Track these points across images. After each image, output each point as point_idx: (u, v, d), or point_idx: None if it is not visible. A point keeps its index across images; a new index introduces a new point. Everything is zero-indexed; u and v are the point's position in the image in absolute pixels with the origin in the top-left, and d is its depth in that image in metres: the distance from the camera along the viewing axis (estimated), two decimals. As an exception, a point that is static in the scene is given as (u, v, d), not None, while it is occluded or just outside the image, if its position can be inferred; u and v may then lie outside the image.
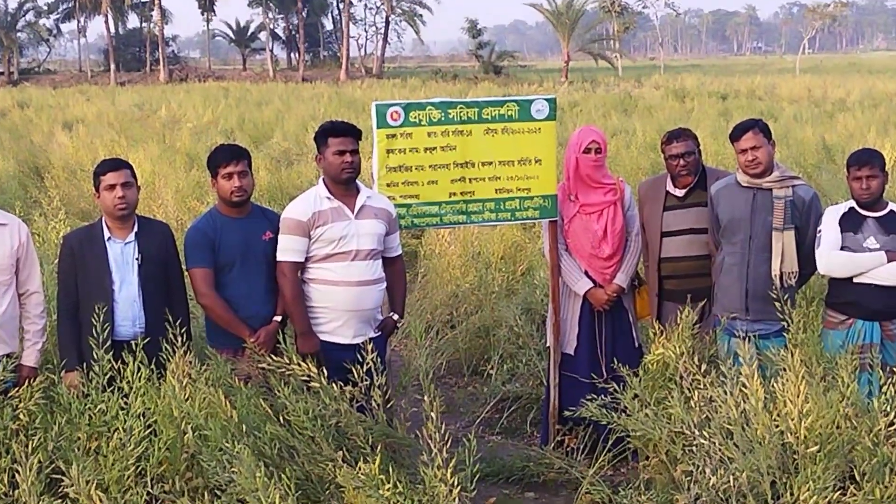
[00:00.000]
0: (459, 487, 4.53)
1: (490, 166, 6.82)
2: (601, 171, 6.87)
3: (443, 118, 6.72)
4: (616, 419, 5.75)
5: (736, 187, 6.50)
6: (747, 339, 6.00)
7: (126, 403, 5.06)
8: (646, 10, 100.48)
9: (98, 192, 6.13)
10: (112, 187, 6.00)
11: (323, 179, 6.22)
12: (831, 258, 6.17)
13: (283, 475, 4.53)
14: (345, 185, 6.16)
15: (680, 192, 6.82)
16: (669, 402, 5.50)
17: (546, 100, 6.97)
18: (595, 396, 5.97)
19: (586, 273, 6.81)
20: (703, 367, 5.77)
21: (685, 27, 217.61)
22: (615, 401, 5.79)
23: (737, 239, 6.41)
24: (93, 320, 5.54)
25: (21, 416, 5.25)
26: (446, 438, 4.69)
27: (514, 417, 7.58)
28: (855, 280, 6.16)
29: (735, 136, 6.52)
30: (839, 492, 4.61)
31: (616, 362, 6.29)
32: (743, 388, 5.25)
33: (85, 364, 5.64)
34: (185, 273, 6.31)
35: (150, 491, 4.74)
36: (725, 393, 5.33)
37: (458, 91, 48.25)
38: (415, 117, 6.67)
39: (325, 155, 6.16)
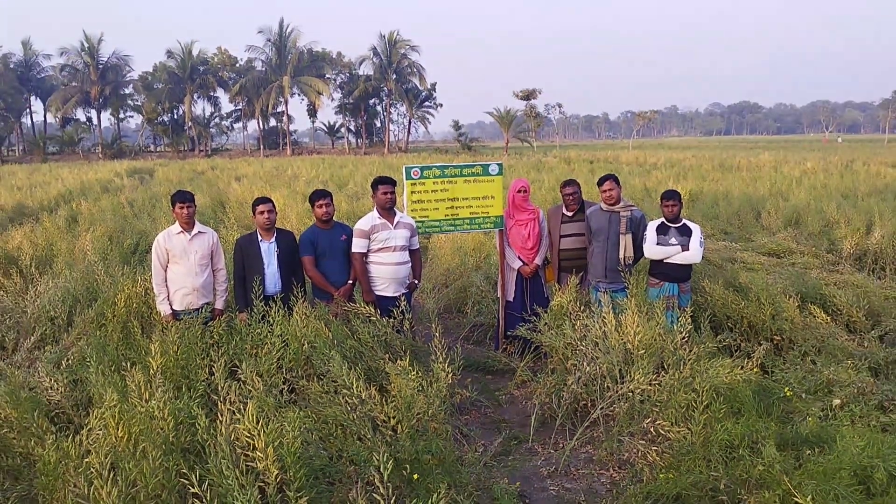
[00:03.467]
0: (451, 373, 4.54)
1: (466, 200, 6.84)
2: (527, 203, 6.89)
3: (441, 174, 6.75)
4: (536, 336, 5.78)
5: (600, 211, 6.51)
6: (605, 293, 6.04)
7: (271, 329, 5.05)
8: (549, 115, 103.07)
9: (255, 215, 6.13)
10: (263, 212, 6.02)
11: (376, 207, 6.20)
12: (651, 249, 6.22)
13: (356, 368, 4.51)
14: (387, 211, 6.15)
15: (570, 213, 6.83)
16: (564, 327, 5.52)
17: (497, 164, 6.99)
18: (524, 324, 6.00)
19: (519, 257, 6.81)
20: (582, 308, 5.80)
21: (569, 124, 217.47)
22: (535, 326, 5.82)
23: (601, 238, 6.43)
24: (253, 285, 5.56)
25: (215, 335, 5.25)
26: (444, 347, 4.71)
27: (480, 335, 7.57)
28: (665, 261, 6.19)
29: (600, 182, 6.55)
30: (655, 375, 4.64)
31: (535, 306, 6.30)
32: (603, 320, 5.28)
33: (249, 308, 5.63)
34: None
35: (286, 377, 4.73)
36: (593, 322, 5.35)
37: (447, 159, 48.09)
38: (426, 174, 6.70)
39: (376, 194, 6.16)
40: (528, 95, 71.73)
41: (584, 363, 5.13)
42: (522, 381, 6.06)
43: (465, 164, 6.99)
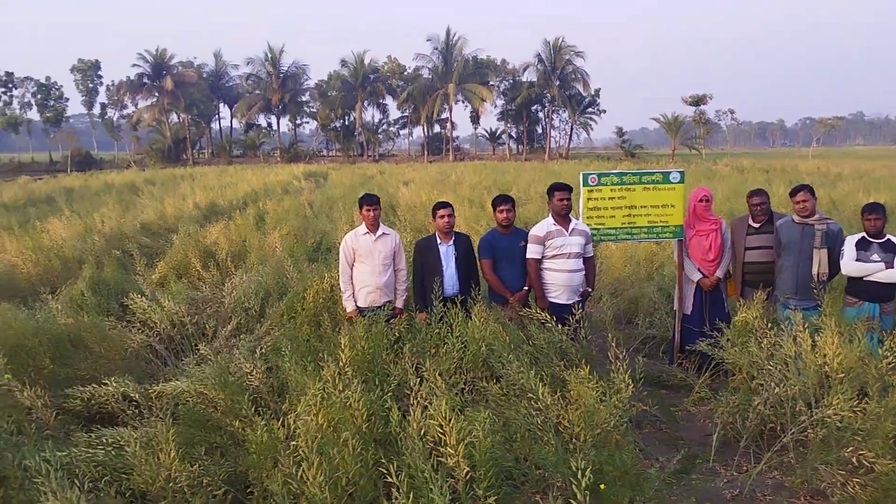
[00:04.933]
0: (630, 384, 4.45)
1: (645, 208, 6.67)
2: (709, 213, 6.62)
3: (619, 181, 6.63)
4: (717, 353, 5.53)
5: (791, 223, 6.15)
6: (796, 310, 5.67)
7: (451, 330, 5.17)
8: (719, 121, 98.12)
9: (434, 218, 6.32)
10: (443, 216, 6.21)
11: (551, 214, 6.20)
12: (850, 265, 5.77)
13: (533, 369, 4.51)
14: (563, 217, 6.13)
15: (757, 225, 6.49)
16: (749, 345, 5.26)
17: (678, 172, 6.77)
18: (703, 339, 5.76)
19: (699, 269, 6.56)
20: (769, 326, 5.48)
21: (740, 131, 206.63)
22: (715, 342, 5.57)
23: (792, 252, 6.06)
24: (433, 285, 5.72)
25: (396, 332, 5.46)
26: (624, 358, 4.63)
27: (652, 349, 7.35)
28: (865, 279, 5.72)
29: (793, 192, 6.19)
30: (855, 402, 4.31)
31: (716, 321, 6.03)
32: (795, 339, 4.97)
33: (428, 308, 5.81)
34: (479, 262, 6.39)
35: (465, 376, 4.83)
36: (784, 341, 5.05)
37: (610, 165, 47.03)
38: (604, 181, 6.61)
39: (552, 201, 6.16)
40: (697, 101, 68.79)
41: (773, 384, 4.85)
42: (700, 399, 5.82)
43: (645, 171, 6.83)
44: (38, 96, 78.14)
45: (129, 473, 3.61)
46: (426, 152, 75.04)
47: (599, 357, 5.54)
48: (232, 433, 4.21)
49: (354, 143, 77.24)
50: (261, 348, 6.02)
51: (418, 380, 4.09)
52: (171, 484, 3.30)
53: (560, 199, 6.13)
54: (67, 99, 79.65)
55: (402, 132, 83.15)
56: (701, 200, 6.60)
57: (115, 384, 5.03)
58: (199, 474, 3.46)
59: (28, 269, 9.58)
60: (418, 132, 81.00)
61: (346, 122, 76.98)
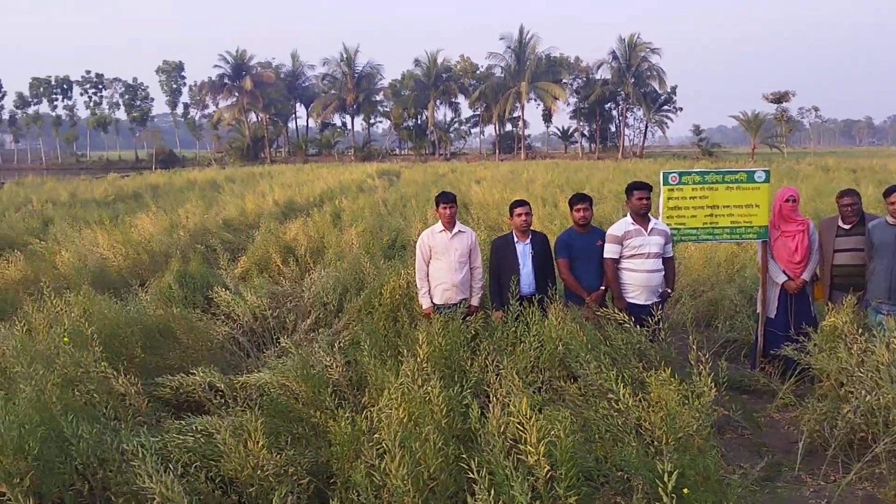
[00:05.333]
0: (713, 388, 4.34)
1: (728, 208, 6.49)
2: (796, 213, 6.40)
3: (701, 180, 6.48)
4: (803, 357, 5.35)
5: (885, 225, 5.89)
6: (889, 316, 5.42)
7: (527, 329, 5.16)
8: (802, 119, 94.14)
9: (512, 216, 6.32)
10: (520, 214, 6.21)
11: (629, 213, 6.12)
12: None
13: (613, 369, 4.45)
14: (642, 217, 6.04)
15: (847, 226, 6.24)
16: (838, 349, 5.06)
17: (763, 171, 6.56)
18: (789, 343, 5.58)
19: (784, 271, 6.35)
20: (860, 331, 5.26)
21: (824, 129, 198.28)
22: (802, 347, 5.38)
23: (885, 255, 5.80)
24: (511, 284, 5.71)
25: (472, 330, 5.47)
26: (706, 361, 4.52)
27: (733, 352, 7.14)
28: None
29: (886, 193, 5.92)
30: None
31: (802, 325, 5.82)
32: (889, 344, 4.76)
33: (504, 306, 5.81)
34: (555, 261, 6.35)
35: (541, 375, 4.81)
36: (877, 347, 4.83)
37: (686, 164, 45.93)
38: (685, 179, 6.47)
39: (631, 200, 6.09)
40: (779, 98, 66.43)
41: (864, 392, 4.66)
42: (785, 405, 5.64)
43: (728, 170, 6.65)
44: (126, 97, 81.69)
45: (218, 460, 3.75)
46: (497, 151, 74.97)
47: (679, 359, 5.42)
48: (314, 424, 4.31)
49: (426, 142, 77.87)
50: (339, 342, 6.15)
51: (498, 377, 4.10)
52: (258, 472, 3.41)
53: (639, 197, 6.03)
54: (153, 99, 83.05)
55: (473, 131, 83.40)
56: (787, 200, 6.38)
57: (202, 374, 5.23)
58: (285, 463, 3.56)
59: (118, 262, 10.03)
60: (489, 131, 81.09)
61: (419, 121, 77.69)
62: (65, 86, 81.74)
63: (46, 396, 3.93)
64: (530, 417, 3.20)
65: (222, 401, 5.11)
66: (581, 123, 79.40)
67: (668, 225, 6.36)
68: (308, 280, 8.27)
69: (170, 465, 3.36)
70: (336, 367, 5.17)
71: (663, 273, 6.12)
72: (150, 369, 5.65)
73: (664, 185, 6.48)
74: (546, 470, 3.07)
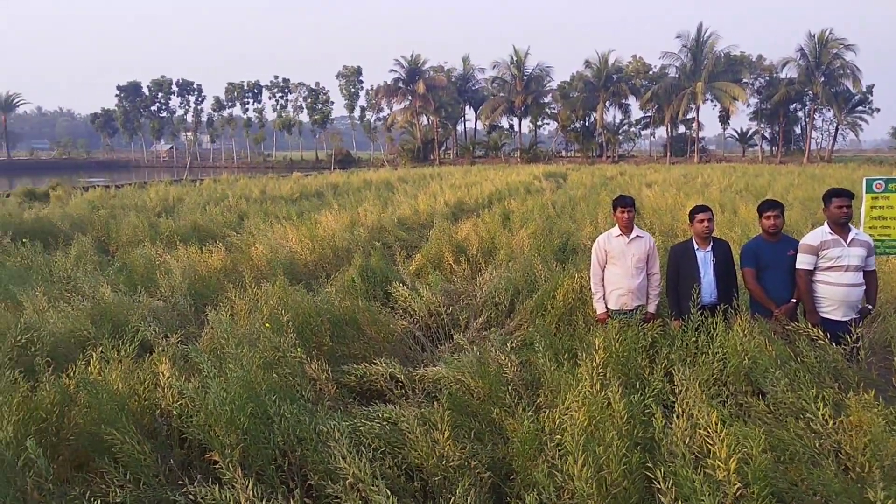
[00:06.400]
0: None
1: (942, 220, 5.87)
2: None
3: (911, 188, 5.91)
4: None
5: None
6: None
7: (710, 340, 4.95)
8: None
9: (692, 223, 6.10)
10: (702, 220, 5.98)
11: (827, 222, 5.70)
12: None
13: (813, 388, 4.15)
14: (841, 226, 5.60)
15: None
16: None
17: None
18: None
19: None
20: None
21: None
22: None
23: None
24: (692, 293, 5.51)
25: (650, 337, 5.33)
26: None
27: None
28: None
29: None
30: None
31: None
32: None
33: (684, 316, 5.62)
34: (741, 270, 6.06)
35: (725, 389, 4.59)
36: None
37: (884, 172, 41.77)
38: (891, 187, 5.92)
39: (829, 208, 5.66)
40: None
41: None
42: None
43: (945, 178, 6.04)
44: (309, 100, 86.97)
45: (402, 447, 3.93)
46: (668, 153, 72.27)
47: (881, 382, 4.98)
48: (490, 420, 4.40)
49: (594, 144, 76.58)
50: (511, 342, 6.23)
51: (683, 387, 3.98)
52: (443, 462, 3.54)
53: (839, 206, 5.60)
54: (333, 102, 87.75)
55: (643, 133, 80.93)
56: None
57: (384, 364, 5.51)
58: (468, 456, 3.67)
59: (305, 255, 10.74)
60: (660, 133, 78.30)
61: (587, 123, 76.57)
62: (255, 90, 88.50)
63: (252, 376, 4.29)
64: (720, 431, 3.08)
65: (402, 391, 5.36)
66: (762, 125, 74.67)
67: (870, 235, 5.87)
68: (480, 279, 8.44)
69: (361, 449, 3.57)
70: (511, 366, 5.24)
71: (863, 287, 5.65)
72: (336, 357, 6.01)
73: (867, 192, 6.00)
74: (736, 487, 2.95)
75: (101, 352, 5.07)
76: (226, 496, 3.31)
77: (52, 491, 3.76)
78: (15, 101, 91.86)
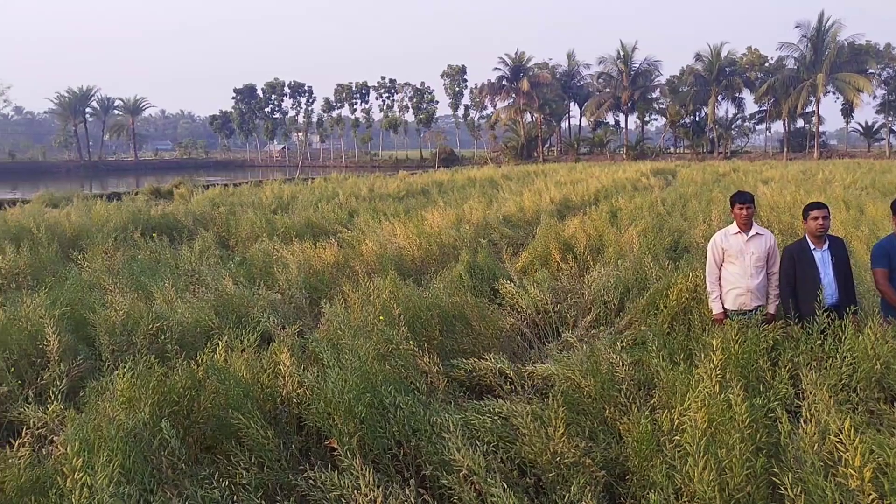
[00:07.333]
0: None
1: None
2: None
3: None
4: None
5: None
6: None
7: (838, 343, 4.68)
8: None
9: (806, 220, 5.80)
10: (817, 218, 5.67)
11: None
12: None
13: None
14: None
15: None
16: None
17: None
18: None
19: None
20: None
21: None
22: None
23: None
24: (818, 294, 5.23)
25: (771, 339, 5.10)
26: None
27: None
28: None
29: None
30: None
31: None
32: None
33: (804, 318, 5.33)
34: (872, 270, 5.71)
35: (855, 395, 4.35)
36: None
37: None
38: None
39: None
40: None
41: None
42: None
43: None
44: (414, 100, 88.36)
45: (514, 442, 3.94)
46: (785, 149, 68.85)
47: None
48: (603, 419, 4.34)
49: (704, 140, 74.04)
50: (621, 341, 6.12)
51: (810, 392, 3.79)
52: (557, 458, 3.53)
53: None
54: (437, 101, 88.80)
55: (757, 127, 77.52)
56: None
57: (492, 360, 5.53)
58: (582, 454, 3.64)
59: (413, 251, 10.92)
60: (776, 127, 74.72)
61: (697, 118, 74.03)
62: (363, 90, 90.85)
63: (368, 367, 4.42)
64: (853, 438, 2.92)
65: (511, 387, 5.37)
66: (890, 119, 69.89)
67: None
68: (588, 277, 8.32)
69: (475, 442, 3.61)
70: (622, 365, 5.15)
71: None
72: (445, 351, 6.09)
73: None
74: (871, 498, 2.79)
75: (227, 341, 5.35)
76: (344, 482, 3.43)
77: (184, 470, 4.00)
78: (142, 105, 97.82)
